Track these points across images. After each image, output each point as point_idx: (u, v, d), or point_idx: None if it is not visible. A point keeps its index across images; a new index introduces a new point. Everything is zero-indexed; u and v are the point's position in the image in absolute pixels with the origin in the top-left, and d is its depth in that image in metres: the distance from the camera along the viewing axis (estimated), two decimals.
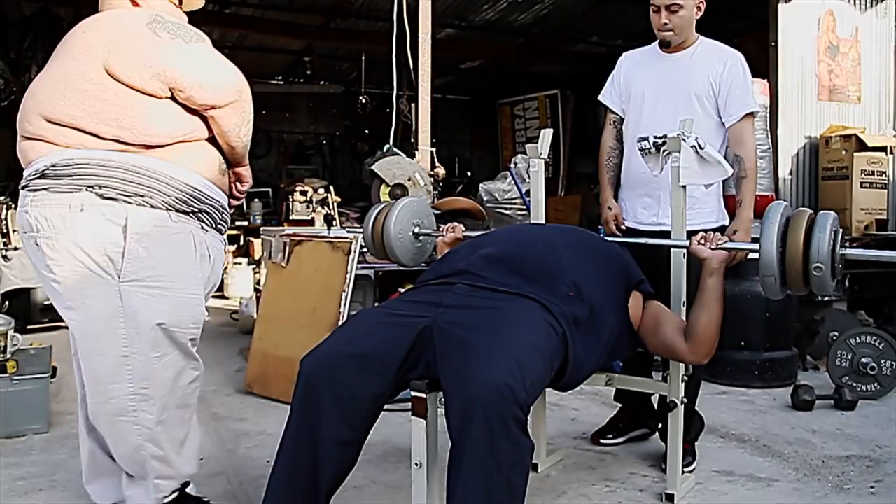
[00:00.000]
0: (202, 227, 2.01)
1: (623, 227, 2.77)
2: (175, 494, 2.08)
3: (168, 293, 1.92)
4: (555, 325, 1.78)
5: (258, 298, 4.60)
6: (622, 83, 2.82)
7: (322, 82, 9.65)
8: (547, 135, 2.69)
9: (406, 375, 1.78)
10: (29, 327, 5.06)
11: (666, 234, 2.50)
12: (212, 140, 2.02)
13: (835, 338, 3.93)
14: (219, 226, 2.08)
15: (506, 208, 6.50)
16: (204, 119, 1.97)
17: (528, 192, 4.37)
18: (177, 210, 1.93)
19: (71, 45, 1.93)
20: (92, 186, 1.84)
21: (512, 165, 5.97)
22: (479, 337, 1.66)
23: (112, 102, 1.85)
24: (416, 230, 2.57)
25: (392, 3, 4.22)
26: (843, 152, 5.26)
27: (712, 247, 2.07)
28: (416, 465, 1.80)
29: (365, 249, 4.03)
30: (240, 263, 7.65)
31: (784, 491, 2.44)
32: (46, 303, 5.41)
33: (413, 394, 1.78)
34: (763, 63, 5.40)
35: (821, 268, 1.82)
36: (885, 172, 5.31)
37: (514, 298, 1.82)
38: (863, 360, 3.61)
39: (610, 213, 2.81)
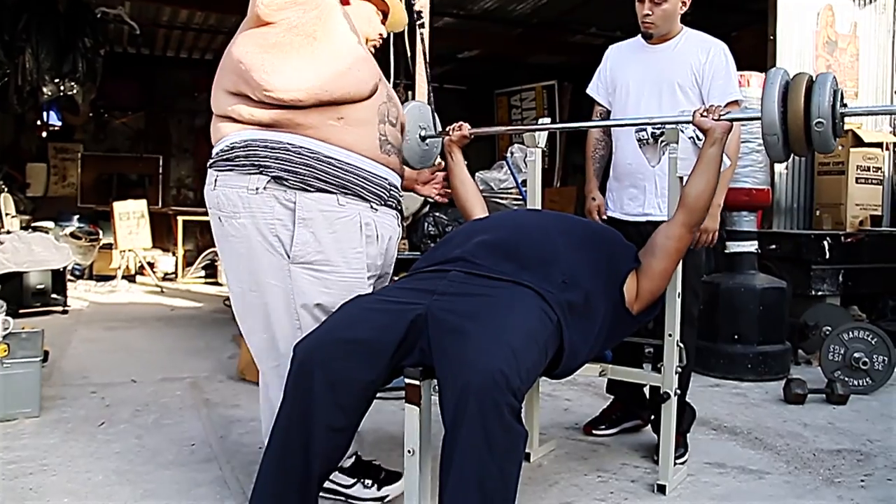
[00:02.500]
0: (371, 207, 2.09)
1: (604, 218, 2.78)
2: (352, 460, 2.22)
3: (332, 276, 2.03)
4: (549, 313, 1.77)
5: None
6: (608, 76, 2.83)
7: None
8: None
9: (400, 362, 1.77)
10: (21, 311, 5.06)
11: (652, 223, 2.52)
12: (369, 121, 2.08)
13: (827, 332, 3.94)
14: (388, 202, 2.15)
15: (502, 198, 6.49)
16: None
17: (524, 182, 4.36)
18: (344, 192, 2.01)
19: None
20: (265, 168, 1.96)
21: (508, 155, 5.95)
22: (473, 324, 1.66)
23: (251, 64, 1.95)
24: (423, 133, 2.55)
25: None
26: (840, 147, 5.26)
27: (715, 118, 2.10)
28: (409, 452, 1.79)
29: None
30: None
31: (775, 483, 2.45)
32: (39, 287, 5.40)
33: (407, 381, 1.78)
34: (761, 57, 5.39)
35: (822, 123, 1.82)
36: (880, 168, 5.32)
37: (509, 286, 1.81)
38: (855, 354, 3.62)
39: (593, 203, 2.83)
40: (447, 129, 2.50)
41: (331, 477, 2.16)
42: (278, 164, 1.96)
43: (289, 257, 1.99)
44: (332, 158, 2.00)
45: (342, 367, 1.72)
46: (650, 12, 2.60)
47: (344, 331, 1.77)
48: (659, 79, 2.66)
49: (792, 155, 2.00)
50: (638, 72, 2.71)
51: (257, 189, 1.97)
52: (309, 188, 1.97)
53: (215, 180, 2.04)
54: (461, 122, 2.50)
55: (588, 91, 2.90)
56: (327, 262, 2.01)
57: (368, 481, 2.20)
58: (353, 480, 2.20)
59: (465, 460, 1.54)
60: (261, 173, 1.96)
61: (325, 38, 2.01)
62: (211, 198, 2.07)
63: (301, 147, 1.98)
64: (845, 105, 1.89)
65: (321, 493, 2.15)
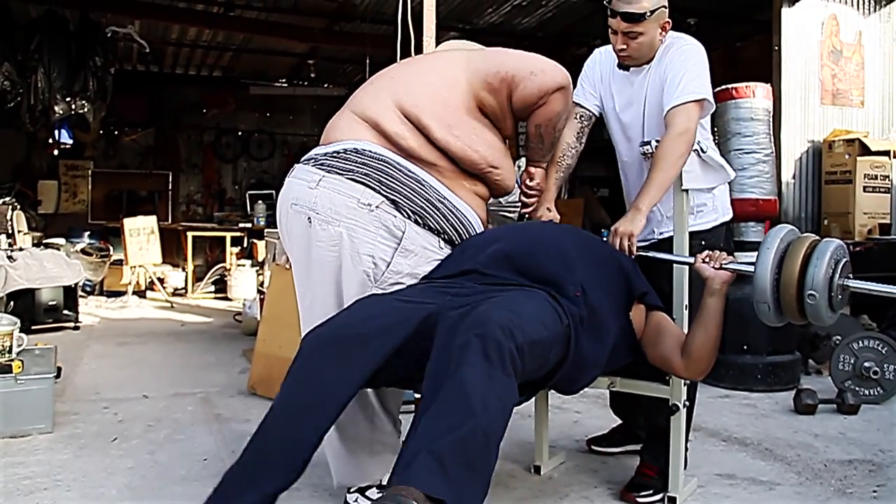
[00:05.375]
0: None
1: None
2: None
3: None
4: (561, 314, 1.78)
5: (262, 300, 4.62)
6: (597, 83, 2.60)
7: (326, 85, 9.66)
8: None
9: (406, 359, 1.74)
10: (33, 327, 5.09)
11: (653, 247, 2.45)
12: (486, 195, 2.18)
13: (837, 342, 3.93)
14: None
15: (508, 211, 6.50)
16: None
17: None
18: (445, 239, 2.04)
19: (432, 59, 2.27)
20: (385, 188, 1.95)
21: (515, 168, 5.98)
22: (482, 306, 1.64)
23: (455, 114, 2.03)
24: None
25: (396, 7, 4.24)
26: (847, 156, 5.27)
27: (716, 266, 2.03)
28: None
29: None
30: (243, 265, 7.67)
31: (786, 495, 2.44)
32: (51, 303, 5.45)
33: (416, 395, 1.79)
34: (766, 67, 5.42)
35: (814, 295, 1.75)
36: (888, 176, 5.32)
37: (522, 288, 1.82)
38: (865, 364, 3.61)
39: (546, 213, 2.51)
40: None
41: (367, 493, 2.19)
42: (401, 186, 1.96)
43: (374, 279, 1.97)
44: (455, 208, 2.05)
45: (347, 354, 1.70)
46: (625, 46, 2.37)
47: (355, 318, 1.77)
48: (644, 108, 2.47)
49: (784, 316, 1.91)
50: (621, 101, 2.53)
51: (370, 205, 1.94)
52: (420, 223, 1.98)
53: (319, 180, 1.98)
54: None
55: (574, 98, 2.58)
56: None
57: None
58: None
59: (468, 376, 1.49)
60: (377, 192, 1.94)
61: None
62: (306, 196, 1.99)
63: (433, 187, 2.01)
64: (848, 277, 1.80)
65: None
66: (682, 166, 2.24)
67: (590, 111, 2.61)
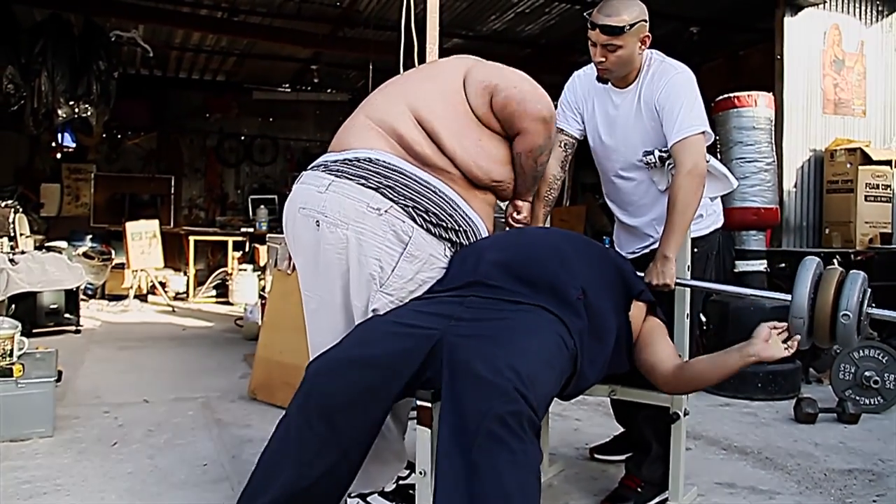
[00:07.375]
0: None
1: None
2: (394, 485, 2.21)
3: None
4: (567, 340, 1.77)
5: (263, 305, 4.62)
6: (577, 105, 2.59)
7: (329, 90, 9.70)
8: None
9: (412, 387, 1.75)
10: (35, 331, 5.09)
11: (643, 258, 2.44)
12: (493, 203, 2.18)
13: (838, 351, 3.93)
14: None
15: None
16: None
17: None
18: (451, 245, 2.04)
19: (442, 65, 2.28)
20: (396, 196, 1.95)
21: None
22: (489, 346, 1.64)
23: (462, 122, 2.04)
24: None
25: (400, 13, 4.26)
26: (848, 166, 5.28)
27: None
28: (421, 473, 1.80)
29: None
30: (245, 270, 7.68)
31: None
32: (52, 306, 5.46)
33: (419, 403, 1.78)
34: (768, 76, 5.43)
35: (848, 315, 1.89)
36: (889, 186, 5.33)
37: (529, 309, 1.81)
38: (866, 373, 3.61)
39: None
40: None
41: (369, 500, 2.19)
42: (410, 193, 1.96)
43: (379, 282, 1.96)
44: (467, 215, 2.05)
45: (350, 398, 1.70)
46: (604, 59, 2.31)
47: (359, 349, 1.76)
48: (629, 132, 2.44)
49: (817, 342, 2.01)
50: (604, 124, 2.49)
51: (379, 209, 1.93)
52: (430, 230, 1.97)
53: (329, 184, 1.98)
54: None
55: (556, 124, 2.51)
56: (410, 300, 2.01)
57: None
58: None
59: (503, 472, 1.49)
60: (387, 198, 1.94)
61: None
62: (315, 200, 1.99)
63: (445, 194, 2.01)
64: (872, 306, 1.94)
65: None
66: (699, 203, 2.25)
67: (572, 136, 2.59)
